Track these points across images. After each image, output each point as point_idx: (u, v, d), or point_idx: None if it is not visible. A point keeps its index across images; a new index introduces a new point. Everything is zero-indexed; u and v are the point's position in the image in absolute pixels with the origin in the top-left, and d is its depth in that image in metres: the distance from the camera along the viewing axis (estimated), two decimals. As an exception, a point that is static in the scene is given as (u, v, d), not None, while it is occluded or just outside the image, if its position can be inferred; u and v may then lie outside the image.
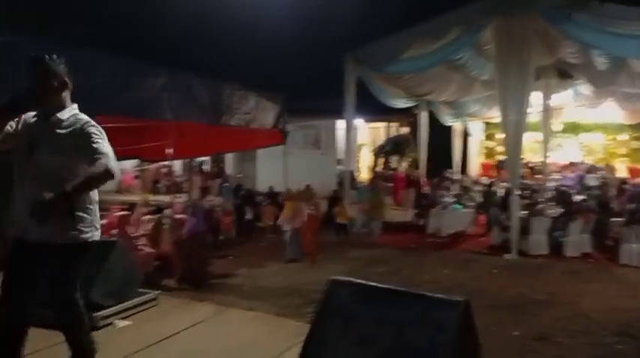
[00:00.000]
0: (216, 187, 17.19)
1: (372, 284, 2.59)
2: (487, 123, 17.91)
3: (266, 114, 9.72)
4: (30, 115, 2.60)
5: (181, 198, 12.35)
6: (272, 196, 12.62)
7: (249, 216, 11.29)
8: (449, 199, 11.78)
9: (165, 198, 14.11)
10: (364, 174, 18.52)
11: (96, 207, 2.58)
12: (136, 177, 17.11)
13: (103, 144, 2.56)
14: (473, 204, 11.62)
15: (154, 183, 16.91)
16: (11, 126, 2.51)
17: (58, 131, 2.51)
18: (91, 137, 2.53)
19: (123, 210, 9.63)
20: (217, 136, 9.95)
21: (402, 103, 13.75)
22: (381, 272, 7.89)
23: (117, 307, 3.53)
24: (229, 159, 18.76)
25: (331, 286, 2.64)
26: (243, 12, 14.19)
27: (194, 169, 18.35)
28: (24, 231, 2.45)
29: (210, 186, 17.65)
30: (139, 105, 6.48)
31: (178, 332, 3.30)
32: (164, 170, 16.52)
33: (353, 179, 14.01)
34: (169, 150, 7.69)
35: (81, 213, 2.48)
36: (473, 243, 10.21)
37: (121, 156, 11.74)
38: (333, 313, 2.54)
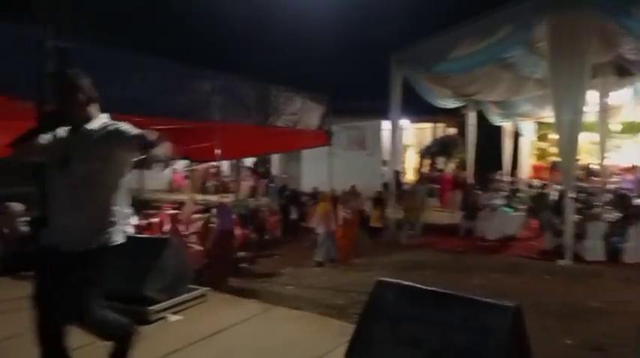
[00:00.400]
0: (262, 187, 17.51)
1: (420, 286, 2.57)
2: (539, 123, 17.24)
3: (311, 115, 9.79)
4: (61, 129, 2.63)
5: (229, 198, 12.68)
6: (316, 197, 12.70)
7: (294, 215, 11.42)
8: (498, 202, 11.45)
9: (213, 198, 14.52)
10: (410, 176, 18.29)
11: (124, 211, 2.64)
12: (186, 177, 17.68)
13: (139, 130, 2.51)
14: (523, 207, 11.23)
15: (203, 183, 17.42)
16: (44, 138, 2.55)
17: (90, 141, 2.55)
18: (121, 126, 2.54)
19: (173, 208, 10.00)
20: (264, 137, 10.12)
21: (449, 103, 13.48)
22: (427, 275, 7.77)
23: (169, 302, 3.67)
24: (275, 159, 19.04)
25: (378, 287, 2.63)
26: (289, 13, 14.36)
27: (243, 170, 18.77)
28: (55, 239, 2.51)
29: (257, 186, 18.00)
30: (189, 108, 6.70)
31: (227, 328, 3.39)
32: (212, 170, 16.98)
33: (398, 180, 13.87)
34: (217, 151, 7.89)
35: (109, 219, 2.55)
36: (523, 247, 9.87)
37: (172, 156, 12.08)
38: (380, 314, 2.53)
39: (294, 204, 11.92)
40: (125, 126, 2.52)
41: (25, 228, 7.49)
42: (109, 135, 2.51)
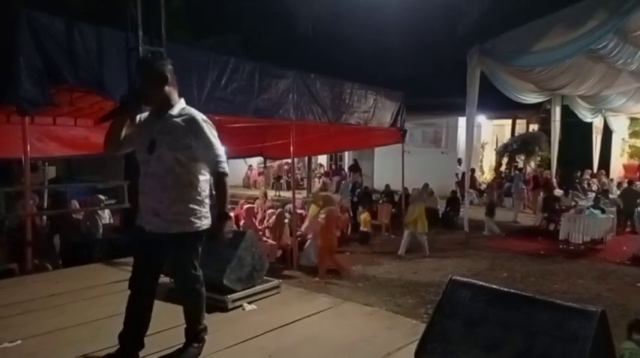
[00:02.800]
0: (334, 184, 17.67)
1: (497, 287, 2.48)
2: (632, 119, 15.87)
3: (384, 112, 9.75)
4: (145, 115, 2.71)
5: (301, 194, 12.94)
6: (388, 194, 12.61)
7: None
8: (585, 203, 10.71)
9: (286, 194, 14.87)
10: (487, 174, 17.61)
11: (205, 200, 2.71)
12: (261, 174, 18.26)
13: (217, 141, 2.63)
14: (614, 209, 10.42)
15: (277, 179, 17.89)
16: (131, 129, 2.64)
17: (173, 127, 2.59)
18: (206, 134, 2.59)
19: (249, 203, 10.38)
20: (337, 134, 10.23)
21: (531, 98, 12.76)
22: (505, 278, 7.47)
23: (245, 292, 3.82)
24: (348, 157, 19.11)
25: (452, 286, 2.58)
26: (363, 8, 14.31)
27: (316, 167, 19.04)
28: (145, 223, 2.66)
29: (328, 183, 18.18)
30: (267, 107, 6.95)
31: (299, 320, 3.48)
32: (286, 167, 17.39)
33: (473, 179, 13.41)
34: (291, 149, 8.08)
35: (192, 206, 2.63)
36: (613, 252, 9.18)
37: (247, 154, 12.64)
38: (453, 313, 2.48)
39: (366, 202, 11.92)
40: (213, 143, 2.59)
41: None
42: (194, 135, 2.57)
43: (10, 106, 5.35)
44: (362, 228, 10.17)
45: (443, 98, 14.07)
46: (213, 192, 2.68)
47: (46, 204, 8.98)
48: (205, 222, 2.70)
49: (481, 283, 2.55)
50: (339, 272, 7.74)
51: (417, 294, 6.75)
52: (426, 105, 13.94)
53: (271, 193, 14.52)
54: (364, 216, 10.28)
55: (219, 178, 2.60)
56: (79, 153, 8.66)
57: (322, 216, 7.84)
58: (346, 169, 18.69)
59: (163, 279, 4.16)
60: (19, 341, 3.03)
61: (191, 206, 2.63)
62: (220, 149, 2.62)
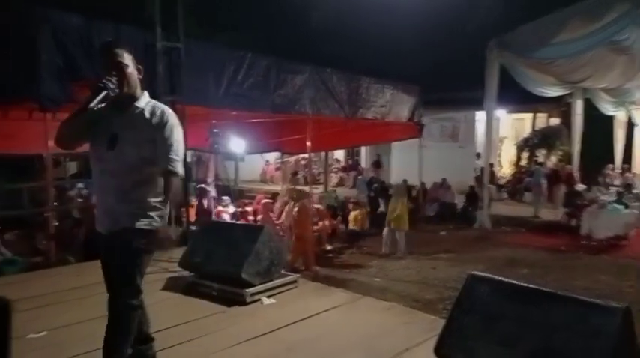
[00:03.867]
0: (350, 179, 17.62)
1: (517, 282, 2.46)
2: (657, 112, 15.45)
3: (402, 106, 9.68)
4: (102, 107, 2.37)
5: (318, 189, 12.94)
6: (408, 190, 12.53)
7: (382, 208, 11.36)
8: (607, 198, 10.49)
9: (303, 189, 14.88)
10: (506, 169, 17.36)
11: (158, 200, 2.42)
12: (277, 169, 18.31)
13: (180, 139, 2.43)
14: (637, 204, 10.19)
15: (293, 174, 17.91)
16: (91, 112, 2.32)
17: (139, 122, 2.37)
18: (170, 129, 2.39)
19: (267, 198, 10.44)
20: (353, 129, 10.18)
21: (552, 92, 12.52)
22: (524, 273, 7.37)
23: (263, 286, 3.85)
24: (364, 151, 19.04)
25: (471, 281, 2.56)
26: (378, 2, 14.18)
27: (332, 162, 19.02)
28: (100, 225, 2.46)
29: (344, 178, 18.15)
30: (284, 102, 6.96)
31: (317, 313, 3.50)
32: (303, 162, 17.40)
33: (492, 174, 13.23)
34: (308, 143, 8.07)
35: (154, 202, 2.40)
36: (636, 248, 8.98)
37: (265, 149, 12.64)
38: (472, 309, 2.46)
39: (383, 197, 11.86)
40: (174, 142, 2.39)
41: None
42: (158, 129, 2.37)
43: (32, 103, 5.45)
44: (351, 227, 9.84)
45: (460, 92, 13.90)
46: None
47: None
48: (162, 223, 2.43)
49: (500, 278, 2.53)
50: (345, 267, 7.76)
51: (435, 290, 6.70)
52: (444, 99, 13.79)
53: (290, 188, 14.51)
54: (355, 214, 9.99)
55: (167, 176, 2.37)
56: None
57: (295, 210, 7.92)
58: (363, 164, 18.63)
59: (182, 273, 4.23)
60: (44, 332, 3.11)
61: (152, 202, 2.40)
62: (179, 148, 2.41)
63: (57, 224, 6.62)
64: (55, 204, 7.16)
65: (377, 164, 16.73)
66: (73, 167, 13.33)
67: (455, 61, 14.46)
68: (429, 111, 11.59)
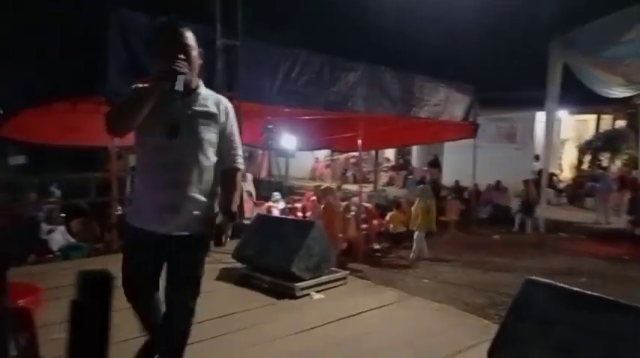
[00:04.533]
0: (400, 179, 17.44)
1: (577, 289, 2.35)
2: None
3: (456, 105, 9.46)
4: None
5: (368, 188, 12.89)
6: (458, 190, 12.27)
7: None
8: (678, 206, 9.81)
9: (352, 187, 14.88)
10: (566, 173, 16.60)
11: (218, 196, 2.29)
12: (327, 166, 18.40)
13: (239, 136, 2.35)
14: None
15: (343, 172, 17.94)
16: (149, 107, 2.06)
17: (204, 111, 2.19)
18: (233, 122, 2.29)
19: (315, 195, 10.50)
20: (405, 128, 10.06)
21: (619, 92, 11.81)
22: (583, 282, 7.01)
23: (313, 281, 3.90)
24: (416, 151, 18.78)
25: (527, 286, 2.48)
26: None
27: (383, 160, 18.89)
28: (158, 223, 2.15)
29: (394, 177, 17.97)
30: (336, 99, 6.98)
31: (366, 311, 3.50)
32: (352, 160, 17.39)
33: (551, 177, 12.69)
34: (359, 141, 8.06)
35: (214, 203, 2.27)
36: None
37: (315, 146, 12.72)
38: (528, 314, 2.39)
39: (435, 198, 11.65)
40: (236, 134, 2.31)
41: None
42: (221, 121, 2.23)
43: (98, 97, 5.76)
44: (391, 229, 9.31)
45: (519, 91, 13.40)
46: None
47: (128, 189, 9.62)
48: (221, 221, 2.27)
49: (559, 284, 2.43)
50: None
51: (486, 295, 6.51)
52: (501, 99, 13.35)
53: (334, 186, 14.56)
54: (393, 215, 9.44)
55: (234, 173, 2.27)
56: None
57: (321, 206, 7.84)
58: (413, 163, 18.36)
59: (235, 264, 4.35)
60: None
61: (213, 203, 2.26)
62: (240, 143, 2.34)
63: (119, 213, 6.97)
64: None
65: (434, 164, 16.34)
66: (132, 159, 13.98)
67: (513, 59, 13.97)
68: (485, 111, 11.25)
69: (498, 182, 12.40)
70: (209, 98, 2.24)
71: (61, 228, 6.86)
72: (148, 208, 2.16)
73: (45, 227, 6.82)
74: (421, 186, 10.31)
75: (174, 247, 2.16)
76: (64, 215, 7.50)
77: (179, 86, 2.01)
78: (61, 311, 3.01)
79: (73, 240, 6.63)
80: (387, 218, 9.39)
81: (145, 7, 5.47)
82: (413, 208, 8.39)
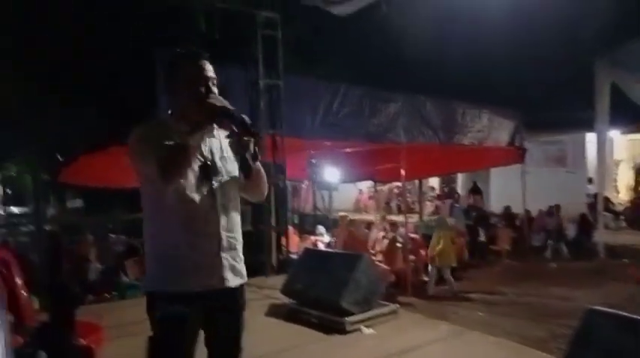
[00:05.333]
0: (446, 208, 17.07)
1: (647, 319, 2.21)
2: None
3: (500, 131, 9.32)
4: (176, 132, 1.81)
5: (413, 219, 12.68)
6: (508, 218, 11.86)
7: (482, 238, 10.82)
8: None
9: (397, 218, 14.69)
10: (623, 195, 15.79)
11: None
12: (370, 198, 18.29)
13: None
14: None
15: (387, 203, 17.76)
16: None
17: (226, 148, 1.95)
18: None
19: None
20: (449, 156, 9.94)
21: (674, 109, 11.27)
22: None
23: (362, 315, 3.84)
24: (460, 178, 18.43)
25: (589, 316, 2.35)
26: (472, 24, 13.83)
27: (427, 189, 18.61)
28: (195, 283, 1.86)
29: (440, 206, 17.61)
30: (378, 130, 7.04)
31: (419, 347, 3.40)
32: (396, 191, 17.23)
33: (607, 201, 12.09)
34: (402, 172, 8.01)
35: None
36: None
37: (358, 177, 12.70)
38: (592, 346, 2.26)
39: (483, 226, 11.30)
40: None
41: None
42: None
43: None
44: (437, 264, 8.16)
45: (566, 113, 13.02)
46: None
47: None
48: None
49: (623, 313, 2.29)
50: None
51: (546, 326, 6.18)
52: (547, 121, 13.00)
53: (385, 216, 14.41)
54: (440, 249, 8.13)
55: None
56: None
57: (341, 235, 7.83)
58: (459, 192, 17.97)
59: (284, 299, 4.35)
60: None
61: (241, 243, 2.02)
62: None
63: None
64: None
65: (474, 190, 15.96)
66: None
67: (558, 80, 13.63)
68: (531, 135, 10.99)
69: (551, 207, 11.94)
70: (221, 133, 1.99)
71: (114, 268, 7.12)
72: (186, 267, 1.93)
73: (98, 267, 7.09)
74: (437, 217, 10.01)
75: (212, 307, 1.96)
76: (119, 254, 7.79)
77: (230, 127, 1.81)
78: (121, 349, 3.11)
79: (127, 279, 6.85)
80: (435, 251, 8.50)
81: (195, 50, 5.78)
82: (434, 242, 7.98)
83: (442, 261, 7.80)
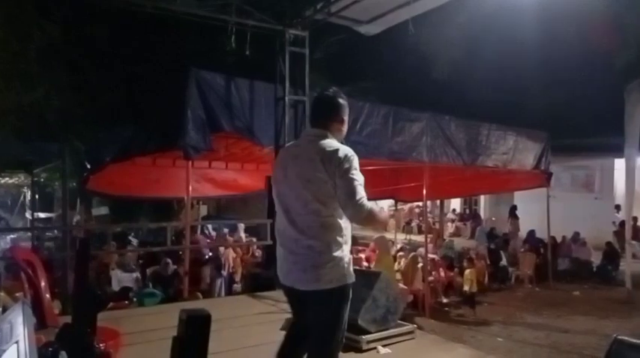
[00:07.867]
0: (467, 229, 16.83)
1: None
2: None
3: (526, 153, 9.17)
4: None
5: (433, 238, 12.52)
6: (532, 242, 11.59)
7: (504, 262, 10.61)
8: None
9: (417, 238, 14.53)
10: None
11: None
12: (391, 216, 18.17)
13: None
14: None
15: (407, 222, 17.63)
16: None
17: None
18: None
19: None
20: (472, 177, 9.83)
21: None
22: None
23: (379, 334, 3.77)
24: (483, 200, 18.18)
25: (616, 347, 2.27)
26: (499, 39, 13.74)
27: (449, 210, 18.41)
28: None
29: (461, 228, 17.37)
30: (401, 149, 7.01)
31: (438, 370, 3.33)
32: (417, 210, 17.09)
33: (635, 229, 11.74)
34: (424, 192, 7.95)
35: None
36: None
37: (379, 196, 12.63)
38: (620, 379, 2.17)
39: (505, 250, 11.09)
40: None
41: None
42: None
43: (175, 151, 6.18)
44: (465, 288, 8.31)
45: (595, 138, 12.80)
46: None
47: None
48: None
49: (656, 347, 2.20)
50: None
51: (569, 357, 6.00)
52: (576, 145, 12.79)
53: (401, 236, 14.27)
54: (467, 274, 8.37)
55: None
56: (228, 193, 9.56)
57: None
58: (482, 213, 17.69)
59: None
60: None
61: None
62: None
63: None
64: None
65: (513, 214, 14.76)
66: (203, 210, 14.60)
67: (587, 105, 13.42)
68: (558, 159, 10.80)
69: (577, 234, 11.65)
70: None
71: (135, 275, 7.21)
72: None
73: (120, 274, 7.20)
74: (446, 241, 9.88)
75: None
76: (141, 262, 7.89)
77: None
78: (138, 355, 3.14)
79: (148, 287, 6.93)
80: (466, 275, 8.50)
81: (223, 68, 5.91)
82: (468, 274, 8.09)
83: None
